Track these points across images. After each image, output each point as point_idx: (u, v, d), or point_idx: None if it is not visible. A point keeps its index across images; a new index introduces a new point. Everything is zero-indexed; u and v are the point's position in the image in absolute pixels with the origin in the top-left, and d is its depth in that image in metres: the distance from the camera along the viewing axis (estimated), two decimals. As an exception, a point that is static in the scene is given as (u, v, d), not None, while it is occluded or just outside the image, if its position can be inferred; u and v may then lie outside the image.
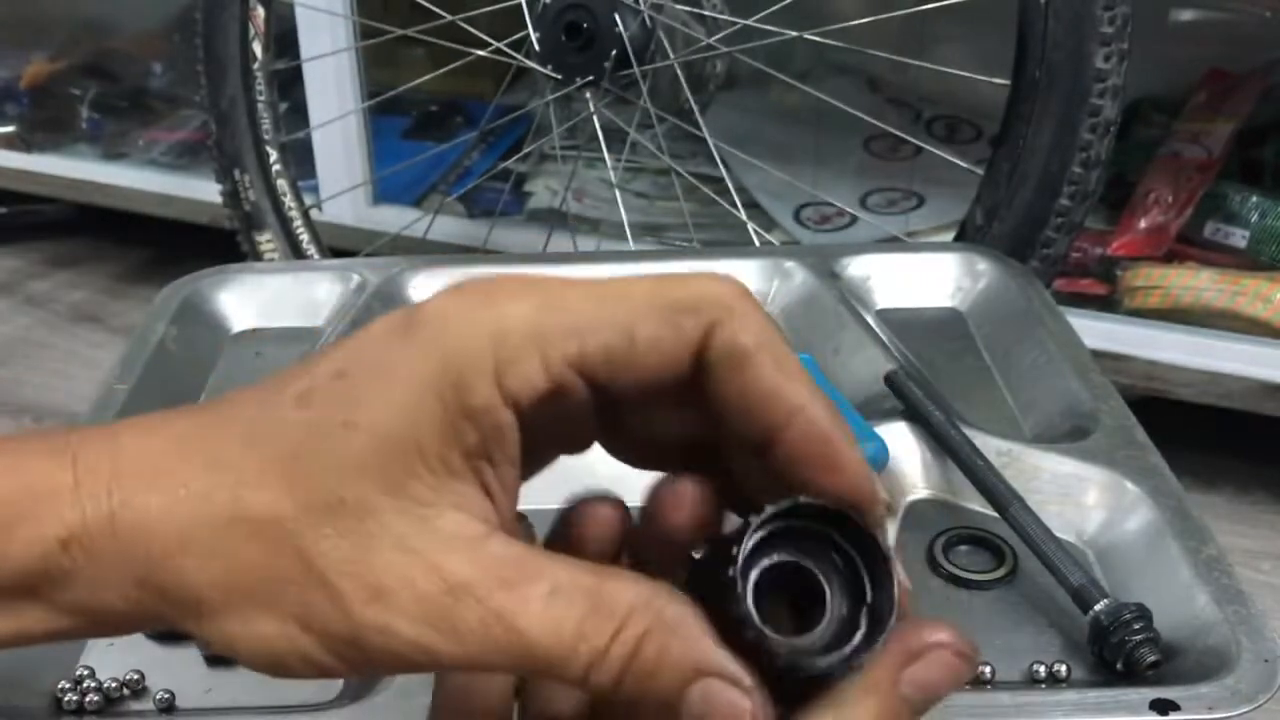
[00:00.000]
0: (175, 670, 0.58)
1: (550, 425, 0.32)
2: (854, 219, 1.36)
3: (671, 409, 0.33)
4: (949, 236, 1.11)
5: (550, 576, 0.30)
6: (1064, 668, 0.56)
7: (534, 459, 0.33)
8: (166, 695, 0.56)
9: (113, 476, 0.31)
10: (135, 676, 0.56)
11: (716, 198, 1.21)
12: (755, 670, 0.30)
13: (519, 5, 1.14)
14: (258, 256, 1.25)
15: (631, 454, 0.35)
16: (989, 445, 0.68)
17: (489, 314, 0.31)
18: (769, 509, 0.31)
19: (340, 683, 0.57)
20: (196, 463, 0.32)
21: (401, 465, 0.30)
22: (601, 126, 1.17)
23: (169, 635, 0.59)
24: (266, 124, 1.24)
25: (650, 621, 0.30)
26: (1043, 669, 0.56)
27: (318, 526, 0.30)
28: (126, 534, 0.31)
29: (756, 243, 1.17)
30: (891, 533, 0.66)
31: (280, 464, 0.31)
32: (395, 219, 1.42)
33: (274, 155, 1.25)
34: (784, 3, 1.07)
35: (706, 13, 1.16)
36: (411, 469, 0.30)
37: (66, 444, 0.32)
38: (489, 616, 0.30)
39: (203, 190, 1.51)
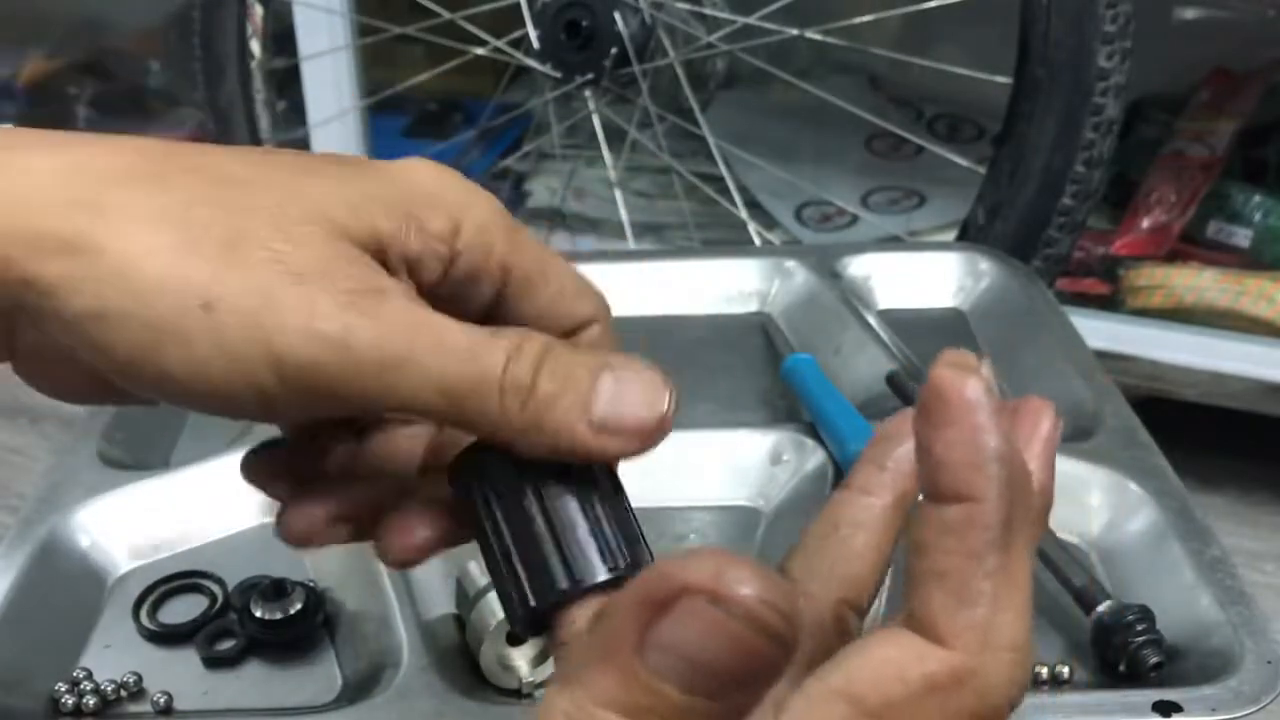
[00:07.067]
0: (173, 672, 0.57)
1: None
2: (855, 218, 1.36)
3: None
4: (951, 236, 1.11)
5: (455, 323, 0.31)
6: (1066, 669, 0.56)
7: None
8: (164, 697, 0.55)
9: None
10: (133, 678, 0.56)
11: (717, 197, 1.21)
12: None
13: (518, 3, 1.14)
14: (257, 255, 1.25)
15: None
16: (991, 446, 0.67)
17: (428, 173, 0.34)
18: None
19: (339, 684, 0.57)
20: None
21: (352, 239, 0.31)
22: (601, 125, 1.17)
23: (168, 637, 0.59)
24: (264, 123, 1.24)
25: (547, 340, 0.31)
26: (1045, 671, 0.56)
27: (255, 213, 0.30)
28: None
29: (757, 242, 1.17)
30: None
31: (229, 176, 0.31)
32: (395, 218, 1.41)
33: (273, 154, 1.25)
34: (785, 1, 1.07)
35: (707, 11, 1.16)
36: (357, 243, 0.31)
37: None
38: (413, 317, 0.30)
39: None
